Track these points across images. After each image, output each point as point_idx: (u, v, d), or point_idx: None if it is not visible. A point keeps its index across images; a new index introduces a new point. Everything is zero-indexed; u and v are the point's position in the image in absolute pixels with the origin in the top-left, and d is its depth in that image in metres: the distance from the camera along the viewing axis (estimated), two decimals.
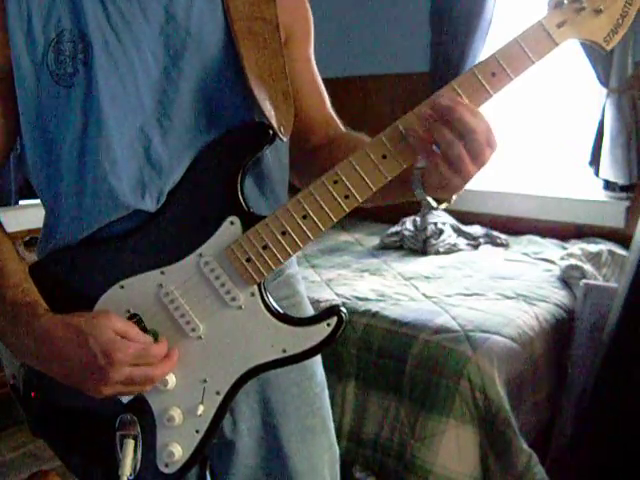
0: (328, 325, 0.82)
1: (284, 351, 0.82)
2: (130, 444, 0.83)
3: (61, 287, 0.86)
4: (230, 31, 0.86)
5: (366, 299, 2.33)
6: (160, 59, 0.85)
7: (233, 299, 0.82)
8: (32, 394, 0.90)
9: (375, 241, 3.17)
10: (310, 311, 1.03)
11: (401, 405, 2.01)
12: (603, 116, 2.82)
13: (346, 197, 0.79)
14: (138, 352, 0.78)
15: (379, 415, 2.06)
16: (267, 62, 0.87)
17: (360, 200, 0.80)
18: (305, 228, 0.80)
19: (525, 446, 1.86)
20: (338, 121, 1.03)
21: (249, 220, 0.82)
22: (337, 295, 2.38)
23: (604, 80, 2.77)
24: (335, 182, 0.79)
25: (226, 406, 0.84)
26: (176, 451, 0.83)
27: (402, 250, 3.02)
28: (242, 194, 0.82)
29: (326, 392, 1.05)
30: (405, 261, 2.85)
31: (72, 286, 0.86)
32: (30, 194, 3.19)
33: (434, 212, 3.13)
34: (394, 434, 2.01)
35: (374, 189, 0.79)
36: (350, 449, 2.12)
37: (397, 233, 3.09)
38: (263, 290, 0.83)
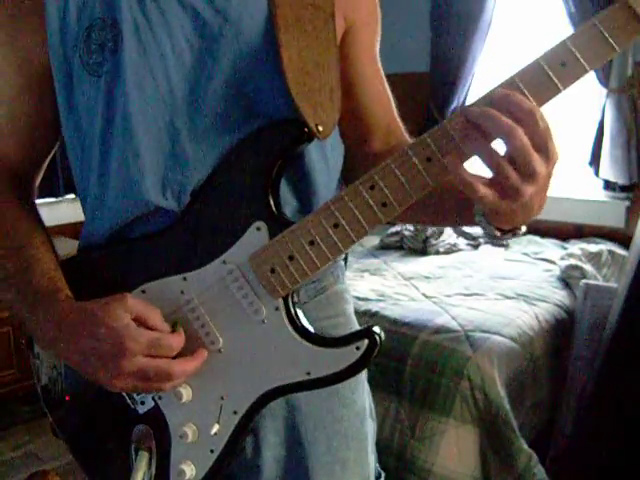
0: (357, 349, 0.72)
1: (308, 373, 0.74)
2: (144, 457, 0.79)
3: (86, 287, 0.81)
4: (272, 18, 0.79)
5: (366, 299, 2.33)
6: (195, 47, 0.79)
7: (256, 312, 0.75)
8: (67, 397, 0.87)
9: (375, 241, 3.17)
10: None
11: (401, 405, 2.01)
12: (603, 116, 2.82)
13: (383, 205, 0.70)
14: (153, 341, 0.72)
15: (379, 415, 2.05)
16: (314, 53, 0.79)
17: (399, 209, 0.70)
18: (335, 238, 0.71)
19: (525, 446, 1.86)
20: (403, 129, 0.93)
21: (278, 226, 0.74)
22: None
23: (604, 80, 2.77)
24: (372, 187, 0.70)
25: (244, 427, 0.77)
26: (188, 470, 0.78)
27: (402, 250, 3.02)
28: (273, 197, 0.75)
29: (368, 423, 0.94)
30: (405, 261, 2.85)
31: (97, 286, 0.81)
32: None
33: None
34: (394, 434, 2.01)
35: (414, 198, 0.69)
36: None
37: (397, 233, 3.09)
38: (290, 304, 0.76)
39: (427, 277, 2.59)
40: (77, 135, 0.84)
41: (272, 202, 0.75)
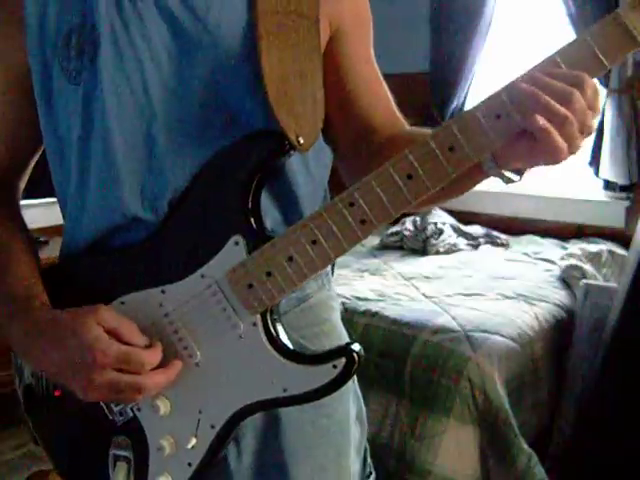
0: (334, 367, 0.71)
1: (284, 390, 0.73)
2: (122, 468, 0.78)
3: (66, 297, 0.80)
4: (254, 26, 0.77)
5: (366, 299, 2.33)
6: (172, 53, 0.78)
7: (233, 327, 0.74)
8: (57, 392, 0.85)
9: (375, 241, 3.17)
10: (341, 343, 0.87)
11: (401, 405, 2.01)
12: (603, 116, 2.81)
13: (362, 222, 0.69)
14: (122, 355, 0.71)
15: (379, 415, 2.06)
16: (297, 63, 0.78)
17: (377, 226, 0.69)
18: (313, 255, 0.70)
19: (525, 446, 1.86)
20: (404, 122, 0.90)
21: (256, 241, 0.73)
22: (337, 295, 2.38)
23: (604, 80, 2.76)
24: (351, 204, 0.69)
25: (222, 441, 0.77)
26: None
27: (402, 250, 3.02)
28: (252, 211, 0.74)
29: (353, 429, 0.93)
30: (405, 261, 2.85)
31: (76, 296, 0.80)
32: (30, 194, 3.21)
33: (434, 212, 3.13)
34: (394, 434, 2.01)
35: (394, 215, 0.69)
36: None
37: (397, 233, 3.09)
38: (268, 320, 0.75)
39: (427, 277, 2.59)
40: (56, 141, 0.83)
41: (251, 216, 0.74)
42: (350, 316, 2.22)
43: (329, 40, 0.85)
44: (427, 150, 0.67)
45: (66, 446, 0.87)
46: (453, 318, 2.13)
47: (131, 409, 0.80)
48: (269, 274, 0.72)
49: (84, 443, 0.85)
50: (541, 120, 0.62)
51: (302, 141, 0.75)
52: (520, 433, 1.87)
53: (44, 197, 3.09)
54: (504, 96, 0.65)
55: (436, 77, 3.26)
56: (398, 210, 0.69)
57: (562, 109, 0.62)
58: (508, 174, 0.69)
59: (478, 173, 0.71)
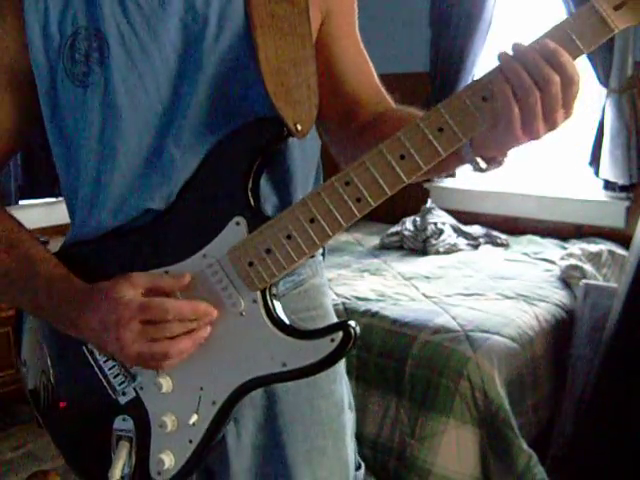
0: (332, 341, 0.74)
1: (284, 365, 0.76)
2: (125, 446, 0.81)
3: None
4: (249, 18, 0.81)
5: (366, 299, 2.33)
6: (179, 51, 0.81)
7: (234, 304, 0.77)
8: (61, 404, 0.89)
9: (375, 241, 3.17)
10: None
11: (401, 405, 2.01)
12: (603, 116, 2.82)
13: (358, 200, 0.72)
14: (145, 303, 0.74)
15: (379, 415, 2.06)
16: (290, 51, 0.81)
17: (373, 204, 0.72)
18: (311, 232, 0.73)
19: (525, 446, 1.86)
20: (389, 98, 0.94)
21: (256, 221, 0.77)
22: (337, 295, 2.38)
23: (604, 80, 2.77)
24: (347, 183, 0.72)
25: (223, 418, 0.79)
26: (167, 460, 0.80)
27: (402, 250, 3.02)
28: (252, 194, 0.78)
29: (346, 414, 0.96)
30: (405, 261, 2.85)
31: (85, 280, 0.83)
32: (30, 194, 3.21)
33: (434, 212, 3.13)
34: (394, 434, 2.01)
35: (389, 193, 0.72)
36: None
37: (397, 233, 3.09)
38: (268, 297, 0.78)
39: (427, 277, 2.59)
40: (61, 140, 0.85)
41: (251, 198, 0.77)
42: (350, 316, 2.22)
43: (320, 24, 0.88)
44: (418, 131, 0.70)
45: (69, 427, 0.89)
46: (453, 318, 2.13)
47: (134, 388, 0.82)
48: (269, 251, 0.75)
49: (87, 423, 0.87)
50: (505, 87, 0.67)
51: (300, 128, 0.79)
52: (520, 433, 1.88)
53: (44, 197, 3.10)
54: (489, 77, 0.69)
55: (436, 77, 3.27)
56: (392, 188, 0.72)
57: (527, 79, 0.66)
58: (480, 161, 0.74)
59: (455, 158, 0.74)
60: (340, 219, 0.73)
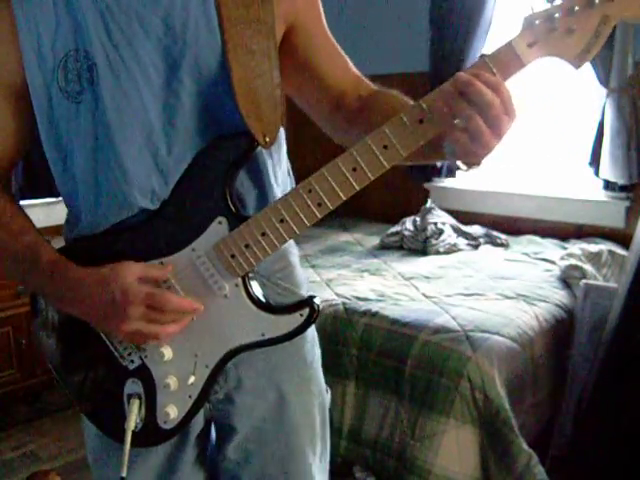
0: (301, 315, 0.93)
1: (263, 335, 0.94)
2: (135, 403, 0.98)
3: None
4: (222, 41, 0.90)
5: (366, 299, 2.33)
6: (161, 71, 0.90)
7: (220, 288, 0.93)
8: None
9: (375, 241, 3.17)
10: (302, 279, 1.11)
11: (401, 405, 2.01)
12: (603, 116, 2.82)
13: (319, 205, 0.88)
14: (149, 294, 0.88)
15: (379, 415, 2.06)
16: (258, 67, 0.92)
17: (332, 208, 0.88)
18: (282, 230, 0.90)
19: (525, 446, 1.86)
20: (366, 79, 1.06)
21: (236, 220, 0.92)
22: (337, 295, 2.38)
23: (604, 80, 2.77)
24: (309, 191, 0.88)
25: (214, 377, 0.97)
26: (172, 412, 0.98)
27: (402, 250, 3.02)
28: (231, 197, 0.92)
29: (317, 346, 1.15)
30: (405, 261, 2.85)
31: None
32: (30, 194, 3.21)
33: (434, 212, 3.13)
34: (394, 434, 2.01)
35: (344, 198, 0.87)
36: (350, 449, 2.12)
37: (397, 233, 3.09)
38: (247, 282, 0.94)
39: (427, 277, 2.60)
40: (57, 149, 0.95)
41: (230, 201, 0.92)
42: (350, 316, 2.22)
43: (288, 29, 0.99)
44: (368, 148, 0.85)
45: (88, 390, 1.05)
46: (453, 318, 2.13)
47: (140, 357, 0.97)
48: (247, 246, 0.91)
49: (104, 386, 1.03)
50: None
51: (268, 139, 0.93)
52: (520, 433, 1.88)
53: (44, 197, 3.10)
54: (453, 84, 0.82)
55: (436, 77, 3.27)
56: (347, 194, 0.87)
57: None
58: (459, 163, 0.88)
59: (440, 154, 0.88)
60: (305, 220, 0.89)
